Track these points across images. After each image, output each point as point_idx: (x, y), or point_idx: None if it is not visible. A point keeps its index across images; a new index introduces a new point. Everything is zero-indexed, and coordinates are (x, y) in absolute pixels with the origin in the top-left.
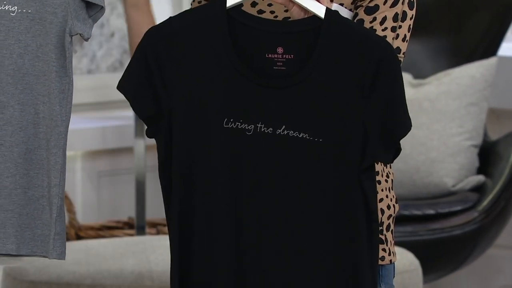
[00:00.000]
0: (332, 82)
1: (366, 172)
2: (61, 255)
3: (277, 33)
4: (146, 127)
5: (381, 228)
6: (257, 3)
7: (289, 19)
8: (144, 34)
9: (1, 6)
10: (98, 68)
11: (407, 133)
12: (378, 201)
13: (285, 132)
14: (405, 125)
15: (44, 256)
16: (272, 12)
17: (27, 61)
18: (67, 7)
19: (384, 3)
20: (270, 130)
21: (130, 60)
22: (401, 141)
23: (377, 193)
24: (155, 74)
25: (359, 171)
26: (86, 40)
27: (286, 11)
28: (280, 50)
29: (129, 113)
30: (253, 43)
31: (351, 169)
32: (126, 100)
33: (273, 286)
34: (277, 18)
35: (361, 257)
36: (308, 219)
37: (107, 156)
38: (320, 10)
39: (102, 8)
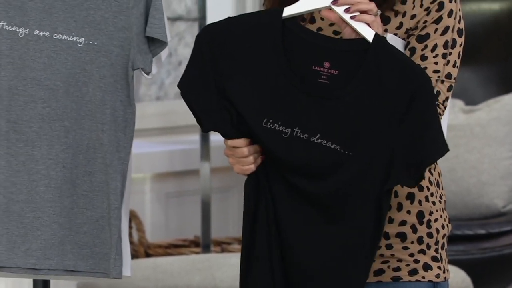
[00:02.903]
0: (369, 102)
1: (386, 194)
2: (120, 274)
3: (326, 48)
4: (210, 150)
5: (436, 247)
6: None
7: (337, 35)
8: (202, 30)
9: (70, 37)
10: (166, 95)
11: (432, 163)
12: (433, 221)
13: (319, 140)
14: (431, 155)
15: (104, 274)
16: (319, 29)
17: (91, 90)
18: (131, 42)
19: (435, 31)
20: (305, 136)
21: (190, 56)
22: (453, 164)
23: (433, 213)
24: (209, 71)
25: (380, 190)
26: (147, 74)
27: (332, 27)
28: (326, 64)
29: (195, 137)
30: (302, 53)
31: (373, 187)
32: (193, 126)
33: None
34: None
35: (356, 269)
36: (323, 224)
37: (175, 178)
38: (369, 34)
39: (163, 44)
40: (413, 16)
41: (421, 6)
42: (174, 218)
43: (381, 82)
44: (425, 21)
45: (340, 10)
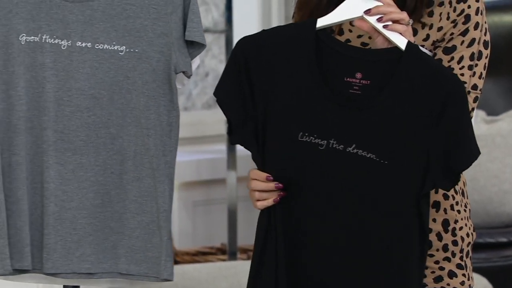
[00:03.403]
0: (403, 110)
1: (425, 198)
2: (171, 276)
3: (358, 59)
4: (237, 159)
5: (461, 254)
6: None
7: (365, 46)
8: (237, 42)
9: (111, 46)
10: (193, 106)
11: (469, 165)
12: (458, 229)
13: (355, 150)
14: (467, 158)
15: (155, 277)
16: (348, 40)
17: (134, 97)
18: (171, 46)
19: (461, 43)
20: (341, 147)
21: (226, 66)
22: (476, 173)
23: (458, 221)
24: (244, 82)
25: (418, 195)
26: (189, 77)
27: (360, 39)
28: (358, 75)
29: (222, 147)
30: (335, 65)
31: (411, 193)
32: (220, 136)
33: None
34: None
35: (411, 275)
36: (364, 234)
37: (202, 187)
38: (402, 43)
39: (201, 47)
40: (440, 28)
41: (448, 18)
42: (201, 226)
43: (414, 89)
44: (452, 33)
45: (372, 19)
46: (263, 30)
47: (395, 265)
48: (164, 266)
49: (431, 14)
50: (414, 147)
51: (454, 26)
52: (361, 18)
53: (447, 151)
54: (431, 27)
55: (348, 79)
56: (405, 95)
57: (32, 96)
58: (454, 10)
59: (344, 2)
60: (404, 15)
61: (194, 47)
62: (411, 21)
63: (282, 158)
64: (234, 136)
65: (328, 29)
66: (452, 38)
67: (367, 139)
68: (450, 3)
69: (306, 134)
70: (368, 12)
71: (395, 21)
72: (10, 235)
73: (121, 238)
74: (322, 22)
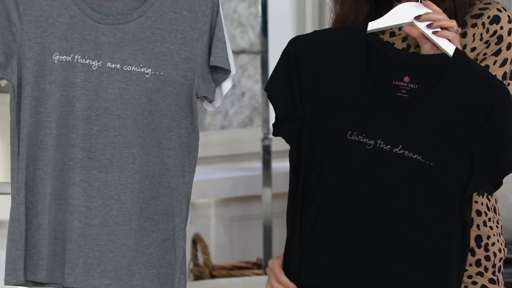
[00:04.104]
0: (449, 114)
1: (468, 200)
2: None
3: (406, 64)
4: (272, 176)
5: (494, 269)
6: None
7: (409, 51)
8: (289, 41)
9: (138, 68)
10: (230, 124)
11: None
12: (491, 244)
13: (401, 151)
14: (510, 162)
15: None
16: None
17: (156, 118)
18: (195, 71)
19: (494, 63)
20: (388, 147)
21: (276, 63)
22: (505, 191)
23: (490, 237)
24: (294, 79)
25: (461, 198)
26: (211, 102)
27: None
28: (406, 79)
29: (258, 164)
30: (384, 68)
31: (455, 195)
32: (255, 153)
33: None
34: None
35: (450, 276)
36: (408, 232)
37: (238, 203)
38: (450, 49)
39: (227, 72)
40: (473, 49)
41: (481, 39)
42: (238, 241)
43: (461, 94)
44: (485, 54)
45: (422, 25)
46: (315, 31)
47: (435, 264)
48: (178, 283)
49: (464, 35)
50: (459, 150)
51: (487, 47)
52: (411, 24)
53: (491, 155)
54: (464, 47)
55: (396, 82)
56: (452, 100)
57: (61, 114)
58: (487, 31)
59: (395, 7)
60: (453, 23)
61: (220, 72)
62: (459, 29)
63: (330, 155)
64: (278, 128)
65: (378, 33)
66: (485, 58)
67: (413, 140)
68: (483, 24)
69: (355, 133)
70: (418, 18)
71: (444, 28)
72: (28, 247)
73: (135, 255)
74: (372, 26)
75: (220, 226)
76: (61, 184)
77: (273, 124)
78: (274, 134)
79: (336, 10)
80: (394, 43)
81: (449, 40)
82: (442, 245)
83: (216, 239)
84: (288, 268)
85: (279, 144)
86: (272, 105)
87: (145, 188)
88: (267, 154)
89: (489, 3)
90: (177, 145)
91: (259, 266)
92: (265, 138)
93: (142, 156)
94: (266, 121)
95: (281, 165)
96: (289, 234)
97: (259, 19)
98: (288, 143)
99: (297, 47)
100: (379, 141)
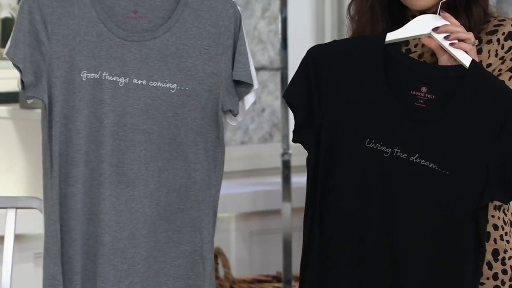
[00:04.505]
0: (465, 124)
1: (483, 210)
2: None
3: (424, 74)
4: (292, 191)
5: (511, 283)
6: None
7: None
8: (309, 49)
9: (164, 84)
10: (250, 140)
11: None
12: (507, 258)
13: (418, 160)
14: None
15: None
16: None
17: (182, 132)
18: (220, 86)
19: (509, 79)
20: (405, 156)
21: (295, 71)
22: None
23: (507, 251)
24: (312, 87)
25: (476, 207)
26: (235, 115)
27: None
28: (424, 89)
29: (277, 179)
30: (402, 78)
31: (470, 204)
32: (275, 168)
33: None
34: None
35: (466, 283)
36: (423, 240)
37: (258, 218)
38: (467, 61)
39: (249, 86)
40: (488, 65)
41: (496, 55)
42: (258, 255)
43: (477, 105)
44: (500, 69)
45: (440, 37)
46: (334, 40)
47: (451, 271)
48: None
49: (480, 51)
50: (475, 160)
51: (502, 63)
52: (428, 35)
53: (506, 165)
54: (480, 63)
55: (414, 92)
56: (468, 111)
57: (90, 131)
58: (502, 47)
59: (414, 19)
60: (470, 35)
61: (243, 86)
62: (476, 42)
63: (348, 161)
64: (296, 135)
65: (397, 44)
66: (500, 74)
67: (430, 149)
68: (498, 40)
69: (373, 140)
70: (436, 29)
71: (461, 40)
72: (62, 263)
73: (162, 266)
74: (391, 36)
75: (241, 240)
76: (91, 199)
77: (292, 131)
78: (293, 141)
79: (353, 27)
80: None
81: (466, 52)
82: (457, 253)
83: (236, 253)
84: (304, 278)
85: (299, 159)
86: (292, 111)
87: (172, 201)
88: (286, 169)
89: (504, 20)
90: (204, 159)
91: (279, 280)
92: (284, 153)
93: (168, 169)
94: (285, 136)
95: (301, 180)
96: (305, 241)
97: (279, 36)
98: (306, 149)
99: (316, 55)
100: (396, 149)
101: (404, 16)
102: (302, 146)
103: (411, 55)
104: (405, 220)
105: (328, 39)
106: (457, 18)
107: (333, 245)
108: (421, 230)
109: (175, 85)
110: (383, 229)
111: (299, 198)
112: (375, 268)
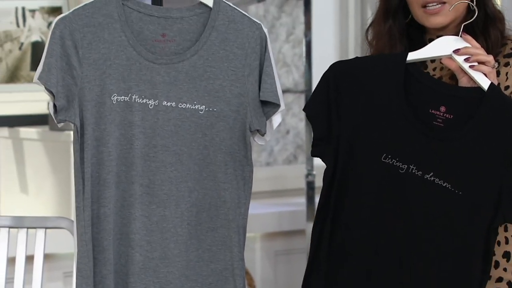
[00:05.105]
0: (481, 146)
1: (494, 231)
2: None
3: (443, 94)
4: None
5: None
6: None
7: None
8: (330, 65)
9: (193, 105)
10: (275, 161)
11: None
12: None
13: (432, 178)
14: None
15: None
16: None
17: (211, 152)
18: (247, 106)
19: None
20: (420, 173)
21: (316, 85)
22: None
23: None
24: (332, 102)
25: (488, 227)
26: (263, 135)
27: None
28: (443, 108)
29: (302, 200)
30: (421, 97)
31: (481, 225)
32: (299, 189)
33: None
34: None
35: None
36: (433, 256)
37: (283, 238)
38: (485, 84)
39: (276, 106)
40: (506, 87)
41: None
42: (282, 274)
43: (493, 127)
44: None
45: (460, 59)
46: (356, 57)
47: None
48: None
49: (497, 74)
50: (488, 182)
51: None
52: (449, 56)
53: None
54: (498, 85)
55: (432, 111)
56: (484, 132)
57: (121, 152)
58: None
59: (436, 40)
60: (490, 58)
61: (269, 106)
62: (496, 64)
63: (364, 176)
64: (315, 148)
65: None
66: None
67: (445, 169)
68: None
69: (389, 156)
70: (457, 51)
71: (481, 62)
72: (95, 283)
73: (194, 285)
74: (412, 56)
75: (266, 259)
76: (122, 219)
77: (311, 145)
78: (312, 154)
79: (371, 51)
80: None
81: (485, 74)
82: (465, 271)
83: (261, 272)
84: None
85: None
86: (311, 124)
87: (203, 221)
88: (310, 190)
89: None
90: (233, 178)
91: None
92: (309, 174)
93: (198, 189)
94: (310, 158)
95: None
96: (313, 250)
97: (303, 59)
98: (325, 162)
99: (337, 70)
100: (411, 166)
101: (422, 40)
102: (321, 160)
103: None
104: (417, 236)
105: None
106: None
107: (342, 257)
108: (432, 247)
109: (204, 106)
110: (395, 244)
111: None
112: (385, 282)
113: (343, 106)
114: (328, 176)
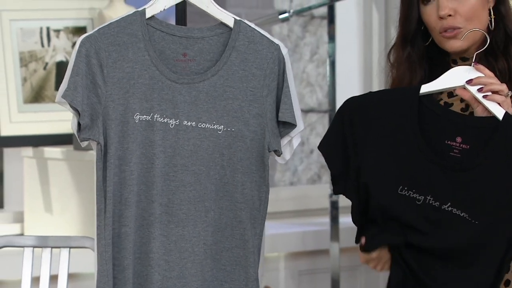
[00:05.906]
0: (497, 175)
1: (508, 261)
2: None
3: (459, 125)
4: (339, 231)
5: None
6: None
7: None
8: (345, 101)
9: (212, 125)
10: (299, 181)
11: None
12: None
13: (450, 208)
14: None
15: None
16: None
17: (229, 172)
18: (265, 127)
19: None
20: (437, 204)
21: (331, 122)
22: None
23: None
24: (348, 136)
25: (502, 258)
26: (279, 155)
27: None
28: (459, 139)
29: (326, 219)
30: (436, 128)
31: (496, 255)
32: (323, 209)
33: None
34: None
35: None
36: (452, 281)
37: (307, 257)
38: (500, 113)
39: (292, 126)
40: None
41: None
42: None
43: (508, 156)
44: None
45: (473, 89)
46: (369, 92)
47: None
48: None
49: None
50: (504, 212)
51: None
52: (462, 87)
53: None
54: None
55: (448, 142)
56: (500, 162)
57: (141, 171)
58: None
59: (448, 71)
60: (503, 87)
61: (285, 126)
62: (510, 93)
63: (381, 209)
64: (335, 187)
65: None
66: None
67: (461, 199)
68: None
69: (406, 188)
70: (470, 82)
71: (494, 92)
72: None
73: None
74: (425, 88)
75: (290, 279)
76: (141, 238)
77: (331, 183)
78: (335, 193)
79: (392, 74)
80: (452, 104)
81: (499, 103)
82: None
83: None
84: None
85: (346, 200)
86: (326, 162)
87: (218, 240)
88: (334, 209)
89: None
90: (249, 198)
91: None
92: (332, 194)
93: (214, 209)
94: None
95: (348, 220)
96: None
97: (327, 79)
98: (349, 198)
99: (352, 106)
100: (428, 197)
101: (444, 60)
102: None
103: (453, 98)
104: (438, 265)
105: (375, 82)
106: (495, 62)
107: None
108: (452, 275)
109: (222, 126)
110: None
111: (347, 238)
112: None
113: (360, 138)
114: (357, 213)
